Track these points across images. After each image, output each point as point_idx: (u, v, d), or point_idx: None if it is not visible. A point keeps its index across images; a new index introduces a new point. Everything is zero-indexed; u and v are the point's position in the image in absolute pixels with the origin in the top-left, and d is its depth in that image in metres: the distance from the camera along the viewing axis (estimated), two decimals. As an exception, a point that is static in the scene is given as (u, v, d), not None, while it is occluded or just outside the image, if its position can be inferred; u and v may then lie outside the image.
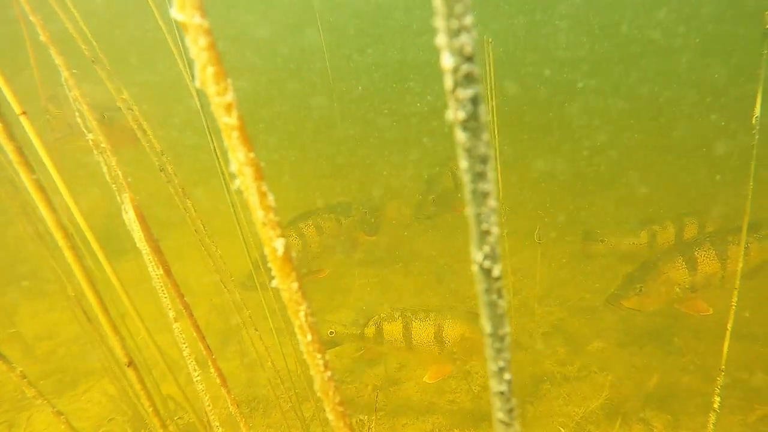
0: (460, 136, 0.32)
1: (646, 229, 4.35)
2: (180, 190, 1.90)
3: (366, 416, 3.61)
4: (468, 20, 0.30)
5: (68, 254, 1.04)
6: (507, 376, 0.40)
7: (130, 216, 1.25)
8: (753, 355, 4.40)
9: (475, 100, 0.31)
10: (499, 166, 3.11)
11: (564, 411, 3.75)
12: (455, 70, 0.30)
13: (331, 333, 3.52)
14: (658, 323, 4.76)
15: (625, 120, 9.26)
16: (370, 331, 3.36)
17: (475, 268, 0.37)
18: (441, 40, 0.30)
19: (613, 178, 7.46)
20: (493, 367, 0.40)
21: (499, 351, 0.39)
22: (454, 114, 0.32)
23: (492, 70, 3.02)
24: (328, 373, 0.65)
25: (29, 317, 5.02)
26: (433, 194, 3.96)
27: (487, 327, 0.38)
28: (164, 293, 1.29)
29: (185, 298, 1.42)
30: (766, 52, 1.30)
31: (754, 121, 1.43)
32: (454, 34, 0.30)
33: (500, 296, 0.37)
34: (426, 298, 4.98)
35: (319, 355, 0.64)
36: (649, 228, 4.35)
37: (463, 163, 0.33)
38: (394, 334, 3.30)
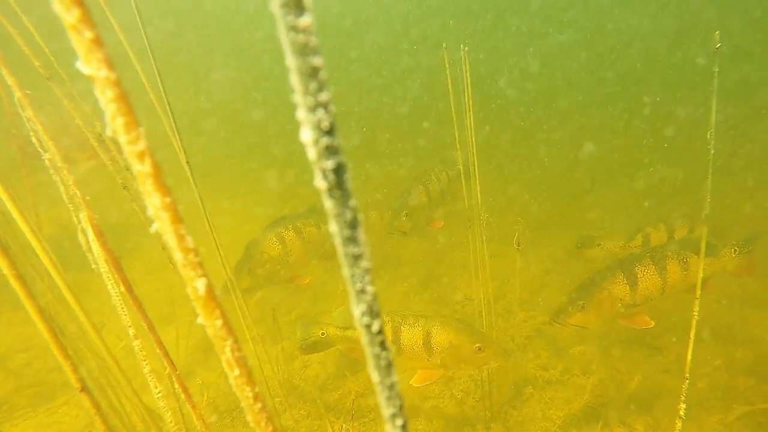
0: (327, 203, 0.33)
1: (641, 233, 4.43)
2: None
3: (348, 424, 3.61)
4: (324, 96, 0.31)
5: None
6: (399, 421, 0.41)
7: (88, 235, 1.25)
8: (735, 356, 4.48)
9: (338, 171, 0.33)
10: (477, 171, 3.14)
11: (546, 415, 3.78)
12: (315, 142, 0.32)
13: (323, 334, 3.52)
14: (639, 325, 4.83)
15: (607, 124, 9.38)
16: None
17: (357, 324, 0.38)
18: (300, 115, 0.32)
19: (596, 181, 7.55)
20: (385, 413, 0.41)
21: (389, 398, 0.41)
22: (320, 183, 0.33)
23: (468, 77, 3.05)
24: (259, 405, 0.66)
25: (4, 329, 4.96)
26: (406, 210, 3.88)
27: (374, 377, 0.40)
28: (124, 311, 1.29)
29: (152, 313, 1.42)
30: (716, 69, 1.33)
31: (709, 136, 1.46)
32: (311, 110, 0.31)
33: (383, 348, 0.39)
34: (411, 304, 5.00)
35: (248, 389, 0.65)
36: (644, 231, 4.43)
37: (333, 227, 0.34)
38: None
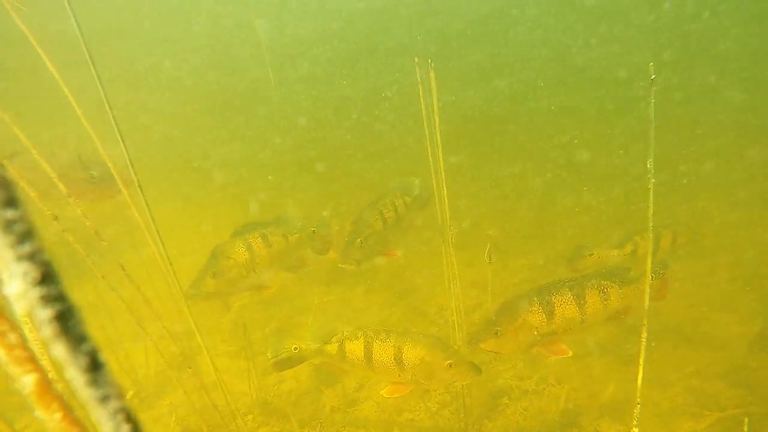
0: (55, 351, 0.32)
1: (630, 241, 4.50)
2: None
3: (321, 440, 3.55)
4: (28, 247, 0.29)
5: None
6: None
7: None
8: (706, 362, 4.54)
9: (62, 318, 0.31)
10: (443, 182, 3.14)
11: (521, 426, 3.77)
12: (24, 296, 0.30)
13: (296, 349, 3.48)
14: (614, 334, 4.86)
15: (580, 135, 9.53)
16: (332, 348, 3.34)
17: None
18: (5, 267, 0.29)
19: (568, 191, 7.65)
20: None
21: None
22: (45, 332, 0.31)
23: (435, 90, 3.07)
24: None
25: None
26: (360, 237, 3.64)
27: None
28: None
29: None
30: (653, 100, 1.35)
31: (649, 165, 1.48)
32: (15, 262, 0.29)
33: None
34: (387, 315, 4.97)
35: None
36: (633, 239, 4.50)
37: (70, 373, 0.33)
38: (356, 353, 3.28)
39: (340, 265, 3.60)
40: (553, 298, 2.62)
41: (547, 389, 4.09)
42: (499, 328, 2.67)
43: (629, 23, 14.88)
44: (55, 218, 1.64)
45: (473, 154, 8.88)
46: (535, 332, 2.63)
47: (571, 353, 2.68)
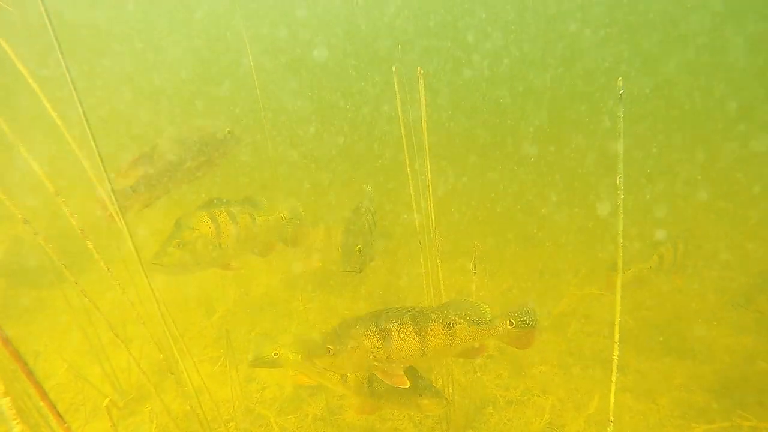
0: None
1: (656, 253, 4.62)
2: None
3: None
4: None
5: None
6: None
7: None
8: (694, 374, 4.53)
9: None
10: (430, 195, 3.12)
11: (505, 436, 3.74)
12: None
13: (276, 354, 3.44)
14: (601, 344, 4.85)
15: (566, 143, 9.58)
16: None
17: None
18: None
19: (557, 202, 7.67)
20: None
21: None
22: None
23: (423, 98, 3.06)
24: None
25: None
26: (358, 244, 3.56)
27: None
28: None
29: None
30: (621, 116, 1.34)
31: (618, 182, 1.46)
32: None
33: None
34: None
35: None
36: (659, 251, 4.62)
37: None
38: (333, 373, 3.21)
39: (341, 271, 3.52)
40: (391, 325, 2.50)
41: (532, 399, 4.05)
42: (331, 347, 2.54)
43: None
44: (26, 221, 1.60)
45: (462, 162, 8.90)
46: (371, 356, 2.51)
47: (408, 385, 2.53)
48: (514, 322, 2.53)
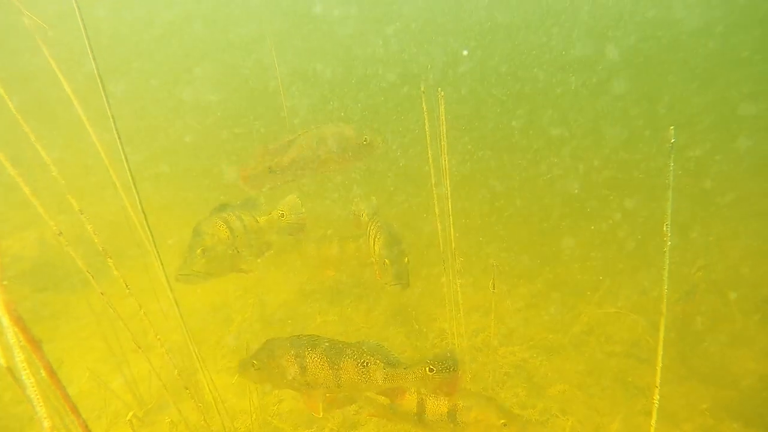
0: None
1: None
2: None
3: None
4: None
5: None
6: None
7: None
8: (720, 399, 4.39)
9: None
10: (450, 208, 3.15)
11: (524, 457, 3.67)
12: None
13: None
14: (622, 364, 4.75)
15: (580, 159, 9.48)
16: None
17: None
18: None
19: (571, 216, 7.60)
20: None
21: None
22: None
23: (444, 119, 3.11)
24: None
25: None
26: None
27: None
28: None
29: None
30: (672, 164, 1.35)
31: (665, 229, 1.46)
32: None
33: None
34: (389, 336, 4.92)
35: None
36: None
37: None
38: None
39: (391, 285, 3.53)
40: (306, 353, 2.59)
41: (551, 420, 3.98)
42: (256, 362, 2.69)
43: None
44: (60, 233, 1.67)
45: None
46: (290, 378, 2.61)
47: (321, 414, 2.64)
48: (434, 368, 2.54)
